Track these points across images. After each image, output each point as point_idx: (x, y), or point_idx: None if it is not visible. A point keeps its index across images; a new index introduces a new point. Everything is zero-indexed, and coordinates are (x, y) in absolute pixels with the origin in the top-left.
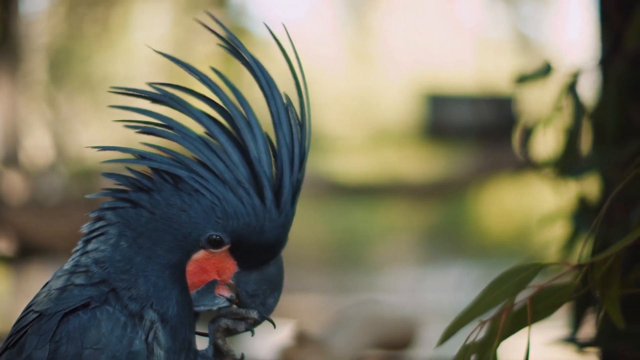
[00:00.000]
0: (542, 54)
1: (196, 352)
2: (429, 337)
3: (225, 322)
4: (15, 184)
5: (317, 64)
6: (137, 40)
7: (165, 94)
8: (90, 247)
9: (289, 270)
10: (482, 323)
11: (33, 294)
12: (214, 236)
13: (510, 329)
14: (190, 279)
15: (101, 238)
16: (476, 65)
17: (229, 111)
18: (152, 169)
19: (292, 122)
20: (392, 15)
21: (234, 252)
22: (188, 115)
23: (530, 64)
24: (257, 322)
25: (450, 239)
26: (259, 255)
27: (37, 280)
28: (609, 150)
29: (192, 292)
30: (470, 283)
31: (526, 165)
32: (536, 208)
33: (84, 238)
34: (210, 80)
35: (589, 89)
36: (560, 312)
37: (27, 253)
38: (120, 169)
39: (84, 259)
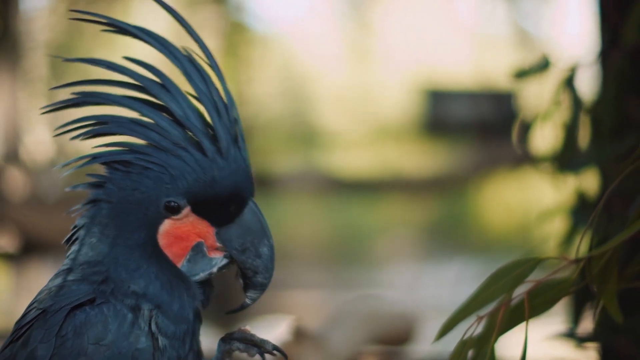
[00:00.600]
0: (541, 49)
1: (199, 346)
2: (428, 332)
3: (237, 346)
4: (16, 181)
5: (317, 61)
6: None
7: (83, 94)
8: (70, 252)
9: (288, 267)
10: (480, 318)
11: (34, 290)
12: (169, 202)
13: (508, 324)
14: (169, 251)
15: (76, 243)
16: (475, 61)
17: (142, 84)
18: (104, 164)
19: (201, 70)
20: (391, 11)
21: (200, 212)
22: (111, 104)
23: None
24: (268, 351)
25: (450, 235)
26: (225, 207)
27: (38, 277)
28: (607, 144)
29: (181, 263)
30: (469, 278)
31: (525, 160)
32: (535, 203)
33: (67, 246)
34: (114, 64)
35: (587, 84)
36: (559, 307)
37: (28, 249)
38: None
39: (69, 262)
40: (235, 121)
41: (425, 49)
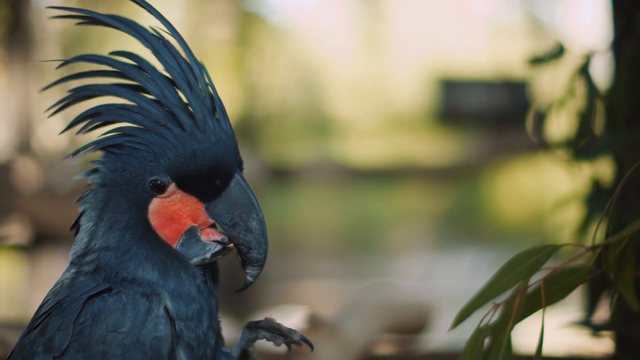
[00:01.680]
0: (554, 38)
1: (220, 332)
2: (442, 321)
3: (264, 335)
4: (29, 172)
5: (331, 50)
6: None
7: (75, 90)
8: (74, 241)
9: (301, 256)
10: (496, 306)
11: (47, 281)
12: (154, 180)
13: (525, 311)
14: (162, 232)
15: (80, 230)
16: (489, 50)
17: (119, 70)
18: (103, 149)
19: (170, 46)
20: (404, 0)
21: (186, 188)
22: (101, 94)
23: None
24: (295, 342)
25: (464, 224)
26: (210, 181)
27: (51, 268)
28: (621, 132)
29: (175, 246)
30: (483, 267)
31: (539, 148)
32: (549, 191)
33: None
34: (96, 55)
35: (601, 72)
36: (574, 295)
37: (40, 240)
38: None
39: (73, 252)
40: (210, 94)
41: (439, 37)
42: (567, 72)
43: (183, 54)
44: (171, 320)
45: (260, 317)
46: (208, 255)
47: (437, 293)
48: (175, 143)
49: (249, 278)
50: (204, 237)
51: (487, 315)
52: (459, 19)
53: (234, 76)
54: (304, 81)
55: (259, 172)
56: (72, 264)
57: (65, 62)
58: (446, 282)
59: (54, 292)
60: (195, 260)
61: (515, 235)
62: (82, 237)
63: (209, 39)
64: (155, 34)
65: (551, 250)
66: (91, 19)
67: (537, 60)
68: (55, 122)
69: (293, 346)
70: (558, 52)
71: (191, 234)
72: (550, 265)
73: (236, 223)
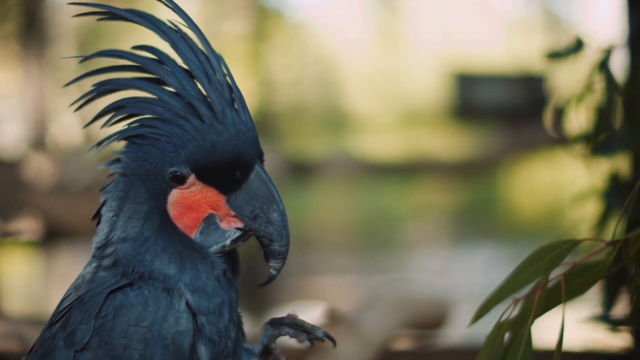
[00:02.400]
0: (571, 33)
1: (241, 325)
2: (460, 317)
3: (287, 331)
4: (43, 168)
5: (346, 45)
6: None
7: (97, 84)
8: (95, 233)
9: (318, 251)
10: (516, 301)
11: (61, 276)
12: (174, 172)
13: (545, 306)
14: (180, 222)
15: (101, 221)
16: (505, 44)
17: (139, 64)
18: (124, 139)
19: (187, 39)
20: None
21: (206, 180)
22: (123, 88)
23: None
24: (318, 338)
25: (480, 219)
26: (230, 172)
27: (65, 263)
28: (639, 127)
29: (194, 235)
30: (499, 263)
31: (558, 142)
32: (567, 187)
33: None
34: (115, 50)
35: (618, 67)
36: (592, 290)
37: (54, 236)
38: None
39: (94, 245)
40: (228, 85)
41: (455, 32)
42: (585, 67)
43: (201, 46)
44: (193, 314)
45: (279, 313)
46: (228, 242)
47: (453, 288)
48: (194, 135)
49: (272, 272)
50: (223, 224)
51: (508, 309)
52: (475, 13)
53: (251, 71)
54: (320, 76)
55: (275, 167)
56: (93, 257)
57: (86, 58)
58: (462, 278)
59: (75, 287)
60: (214, 247)
61: (531, 231)
62: (102, 228)
63: (226, 34)
64: (173, 27)
65: (571, 245)
66: (111, 14)
67: (556, 55)
68: (69, 118)
69: (316, 342)
70: (577, 46)
71: (210, 221)
72: (569, 260)
73: (257, 215)
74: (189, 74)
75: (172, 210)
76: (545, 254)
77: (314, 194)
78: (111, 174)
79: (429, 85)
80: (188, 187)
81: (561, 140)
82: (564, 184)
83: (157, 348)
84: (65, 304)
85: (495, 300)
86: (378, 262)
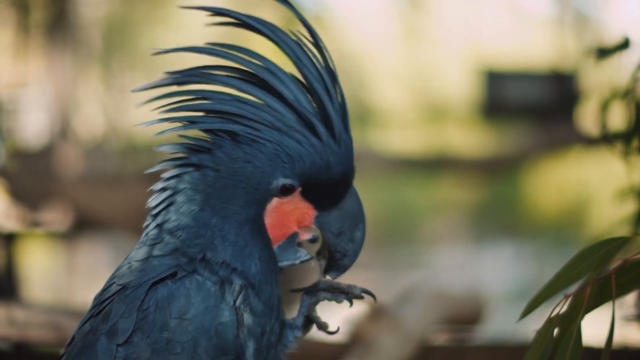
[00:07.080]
0: (599, 31)
1: (283, 318)
2: (491, 313)
3: (324, 296)
4: (69, 158)
5: (372, 40)
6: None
7: (192, 73)
8: (160, 219)
9: None
10: (567, 297)
11: (86, 267)
12: (287, 183)
13: (595, 302)
14: (271, 232)
15: (171, 208)
16: (534, 41)
17: (251, 70)
18: (205, 131)
19: (311, 55)
20: None
21: (307, 195)
22: (220, 85)
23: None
24: (357, 296)
25: (503, 217)
26: (333, 192)
27: (90, 254)
28: None
29: (275, 246)
30: (522, 261)
31: (593, 141)
32: (591, 185)
33: (152, 212)
34: (219, 51)
35: None
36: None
37: (80, 227)
38: (172, 140)
39: (156, 232)
40: (343, 106)
41: (482, 28)
42: (621, 65)
43: (322, 60)
44: (237, 309)
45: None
46: (297, 262)
47: (481, 285)
48: (311, 151)
49: (330, 277)
50: (300, 236)
51: (558, 305)
52: (503, 9)
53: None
54: (344, 70)
55: None
56: (149, 243)
57: (195, 50)
58: (486, 274)
59: (118, 276)
60: (285, 263)
61: (554, 229)
62: (178, 219)
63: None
64: (296, 40)
65: (622, 242)
66: (244, 23)
67: (604, 53)
68: (95, 110)
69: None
70: (623, 44)
71: (291, 239)
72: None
73: (342, 232)
74: (303, 88)
75: (267, 218)
76: (596, 251)
77: None
78: (192, 164)
79: (456, 81)
80: (287, 199)
81: (597, 138)
82: (589, 183)
83: (201, 340)
84: (107, 294)
85: (545, 296)
86: (401, 257)
